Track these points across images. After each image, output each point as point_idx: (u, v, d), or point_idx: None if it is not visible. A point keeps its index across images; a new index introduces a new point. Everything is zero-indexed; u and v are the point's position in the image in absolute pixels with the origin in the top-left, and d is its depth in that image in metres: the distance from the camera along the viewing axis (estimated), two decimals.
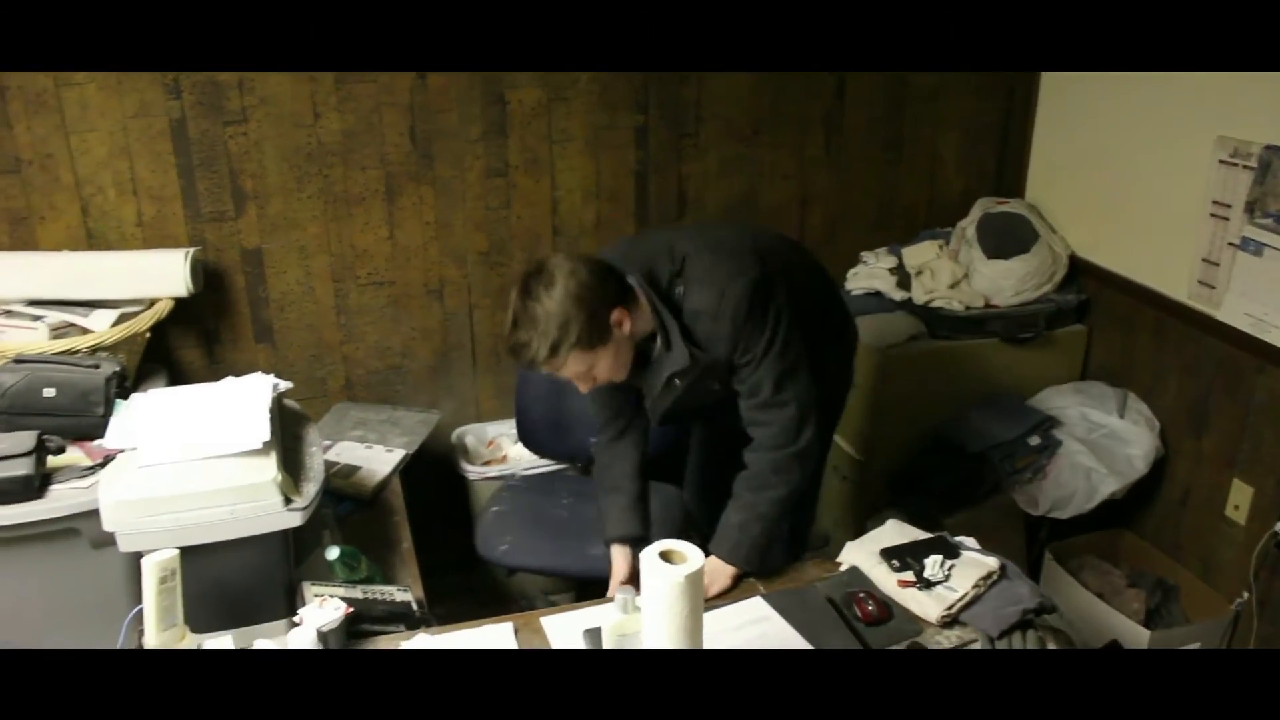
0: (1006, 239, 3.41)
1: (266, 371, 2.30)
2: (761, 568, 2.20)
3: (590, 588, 2.58)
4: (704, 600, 1.67)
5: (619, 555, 2.36)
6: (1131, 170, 3.19)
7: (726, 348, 2.09)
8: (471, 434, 3.32)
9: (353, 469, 2.72)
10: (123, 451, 2.12)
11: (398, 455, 2.80)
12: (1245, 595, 2.92)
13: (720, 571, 2.16)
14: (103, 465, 2.22)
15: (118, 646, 1.99)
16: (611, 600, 2.19)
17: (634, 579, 2.31)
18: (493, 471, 3.12)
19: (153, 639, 1.87)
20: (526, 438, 3.04)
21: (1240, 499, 2.96)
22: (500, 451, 3.28)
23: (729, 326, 2.06)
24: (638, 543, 2.31)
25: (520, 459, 3.20)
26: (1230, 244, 2.86)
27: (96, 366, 2.39)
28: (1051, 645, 1.96)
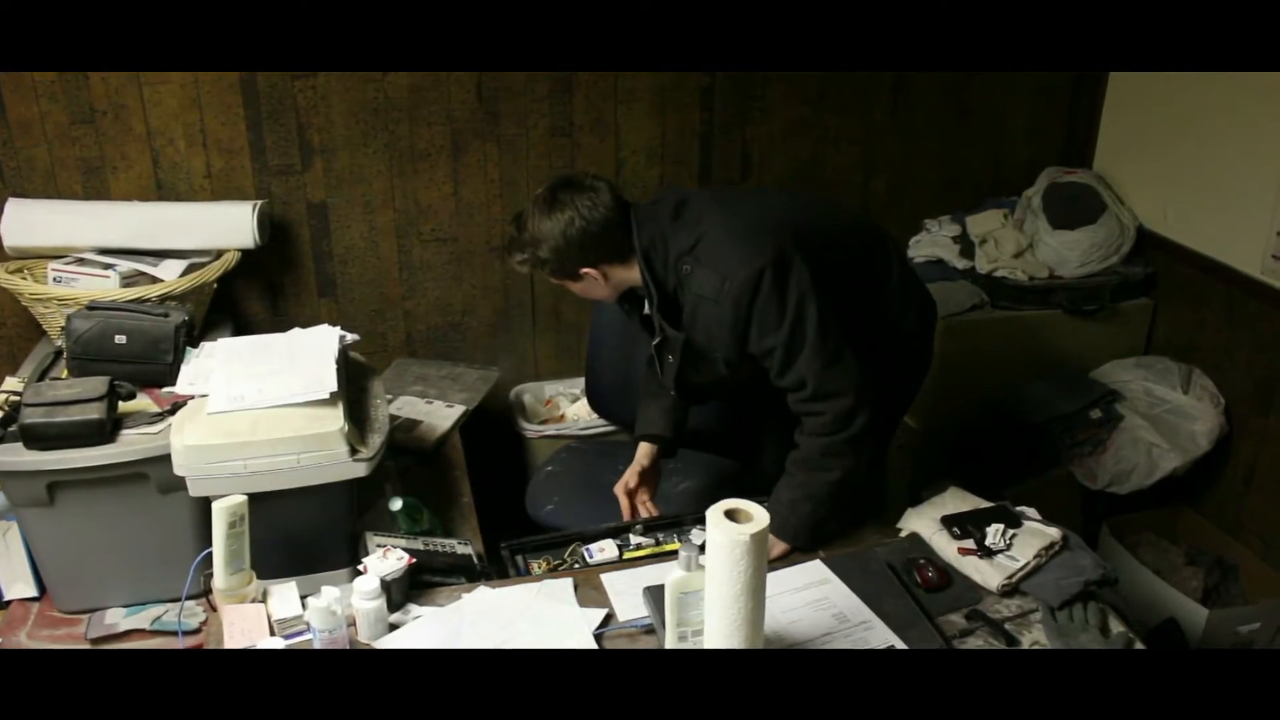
0: (1073, 209, 3.36)
1: (329, 325, 2.33)
2: (813, 544, 2.17)
3: None
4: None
5: (643, 450, 2.46)
6: (1205, 141, 3.12)
7: (730, 334, 2.08)
8: (529, 392, 3.33)
9: (414, 423, 2.74)
10: (191, 398, 2.16)
11: (458, 411, 2.83)
12: None
13: (770, 542, 2.13)
14: (171, 412, 2.25)
15: (185, 589, 2.03)
16: (631, 524, 2.32)
17: (646, 480, 2.44)
18: (550, 430, 3.13)
19: (221, 582, 1.91)
20: (594, 401, 3.05)
21: None
22: (558, 410, 3.30)
23: (730, 313, 2.05)
24: (665, 444, 2.46)
25: (578, 418, 3.21)
26: None
27: (166, 315, 2.43)
28: (1113, 617, 1.94)
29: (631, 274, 2.15)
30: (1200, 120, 3.14)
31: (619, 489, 2.43)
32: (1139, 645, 1.89)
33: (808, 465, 2.14)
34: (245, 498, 1.89)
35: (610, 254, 2.14)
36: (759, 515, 1.61)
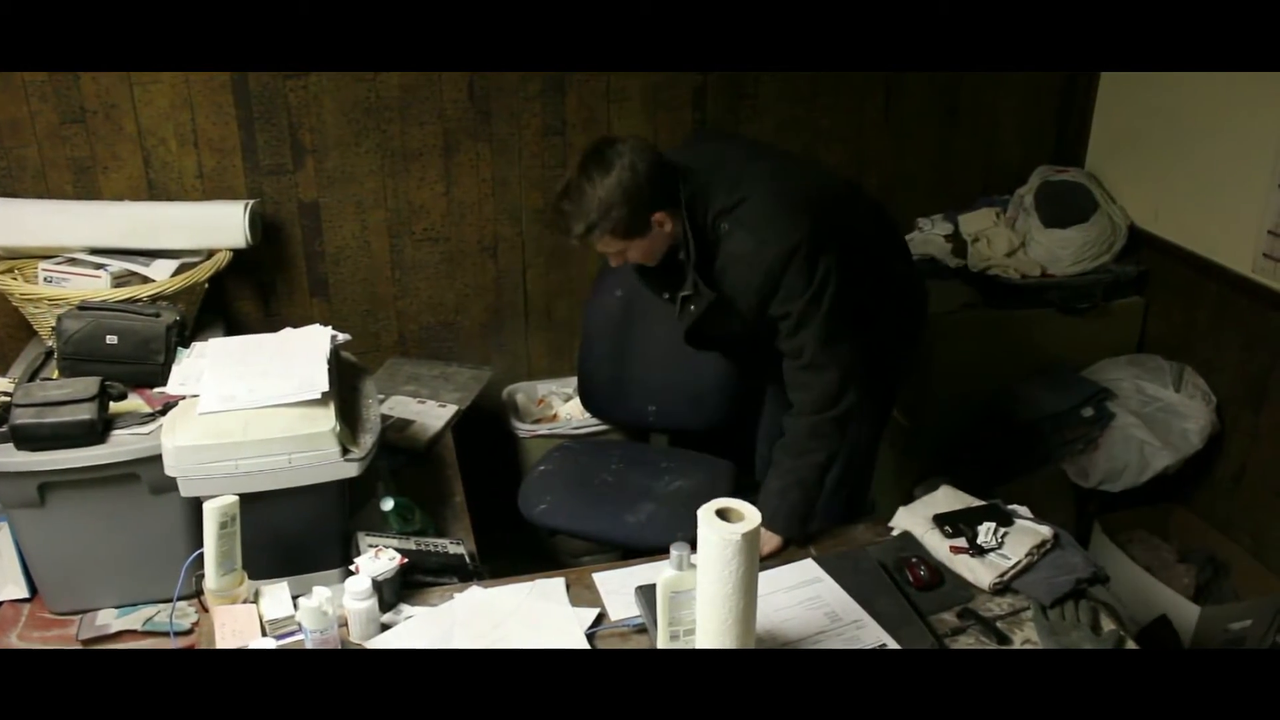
0: (1065, 208, 3.37)
1: (321, 325, 2.32)
2: (804, 535, 2.19)
3: (631, 557, 2.56)
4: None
5: None
6: (1196, 140, 3.13)
7: (755, 296, 2.13)
8: (522, 391, 3.33)
9: (406, 423, 2.74)
10: (183, 398, 2.16)
11: (450, 410, 2.82)
12: None
13: (763, 538, 2.13)
14: (163, 412, 2.25)
15: (177, 589, 2.03)
16: None
17: None
18: (543, 429, 3.13)
19: (212, 583, 1.91)
20: (587, 400, 3.05)
21: None
22: (550, 410, 3.29)
23: (760, 278, 2.10)
24: None
25: (570, 417, 3.20)
26: None
27: (157, 315, 2.42)
28: (1104, 615, 1.95)
29: (678, 225, 2.16)
30: (1191, 119, 3.14)
31: None
32: (1130, 643, 1.90)
33: (795, 450, 2.20)
34: (236, 498, 1.89)
35: (670, 196, 2.12)
36: (751, 514, 1.62)
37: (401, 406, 2.84)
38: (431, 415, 2.80)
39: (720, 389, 2.89)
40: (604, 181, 2.06)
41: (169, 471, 1.95)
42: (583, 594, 2.01)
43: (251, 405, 1.99)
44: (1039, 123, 3.56)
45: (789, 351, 2.18)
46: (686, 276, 2.20)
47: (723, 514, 1.62)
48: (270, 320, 3.06)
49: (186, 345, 2.40)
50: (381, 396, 2.80)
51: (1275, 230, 2.87)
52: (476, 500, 2.50)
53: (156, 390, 2.36)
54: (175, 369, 2.29)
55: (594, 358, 2.98)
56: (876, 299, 2.28)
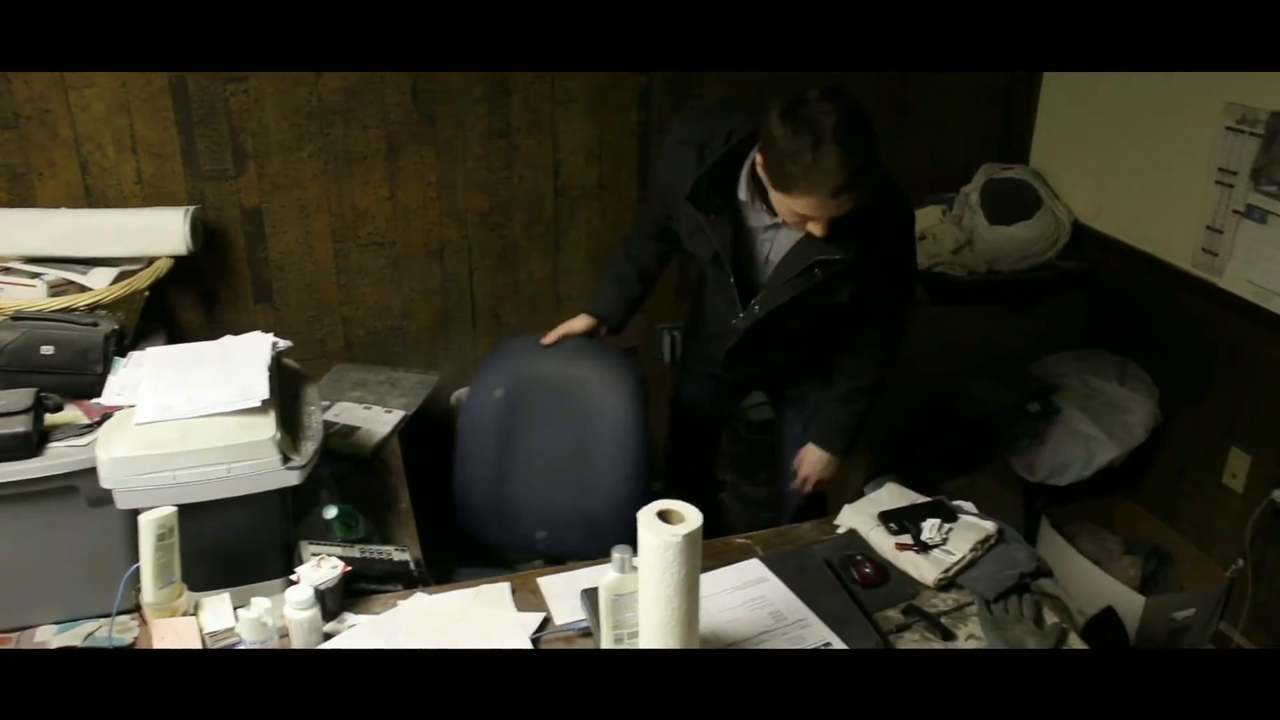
0: (1010, 205, 3.40)
1: (265, 332, 2.29)
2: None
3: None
4: (700, 559, 1.66)
5: (583, 318, 2.58)
6: (1137, 137, 3.17)
7: (882, 254, 2.22)
8: None
9: (351, 429, 2.71)
10: (120, 409, 2.12)
11: (396, 416, 2.80)
12: (1240, 563, 2.93)
13: (833, 463, 2.55)
14: (100, 423, 2.21)
15: (115, 604, 2.00)
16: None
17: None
18: None
19: (150, 596, 1.88)
20: (465, 521, 2.61)
21: (1238, 467, 2.96)
22: None
23: (897, 236, 2.28)
24: (611, 328, 2.62)
25: None
26: (1235, 211, 2.85)
27: (95, 324, 2.38)
28: (1047, 609, 1.96)
29: None
30: (1131, 116, 3.19)
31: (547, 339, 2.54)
32: (1072, 635, 1.91)
33: (866, 383, 2.47)
34: (174, 509, 1.86)
35: None
36: (691, 515, 1.61)
37: (347, 413, 2.81)
38: (377, 421, 2.77)
39: (617, 517, 2.28)
40: (867, 146, 1.97)
41: (104, 484, 1.92)
42: (528, 599, 2.00)
43: (189, 414, 1.96)
44: (984, 121, 3.59)
45: (884, 288, 2.33)
46: (829, 240, 2.11)
47: (663, 516, 1.61)
48: (214, 328, 3.03)
49: (125, 355, 2.36)
50: (326, 403, 2.78)
51: (1213, 225, 2.91)
52: (423, 505, 2.48)
53: (95, 401, 2.32)
54: (111, 379, 2.26)
55: (470, 474, 2.57)
56: None
